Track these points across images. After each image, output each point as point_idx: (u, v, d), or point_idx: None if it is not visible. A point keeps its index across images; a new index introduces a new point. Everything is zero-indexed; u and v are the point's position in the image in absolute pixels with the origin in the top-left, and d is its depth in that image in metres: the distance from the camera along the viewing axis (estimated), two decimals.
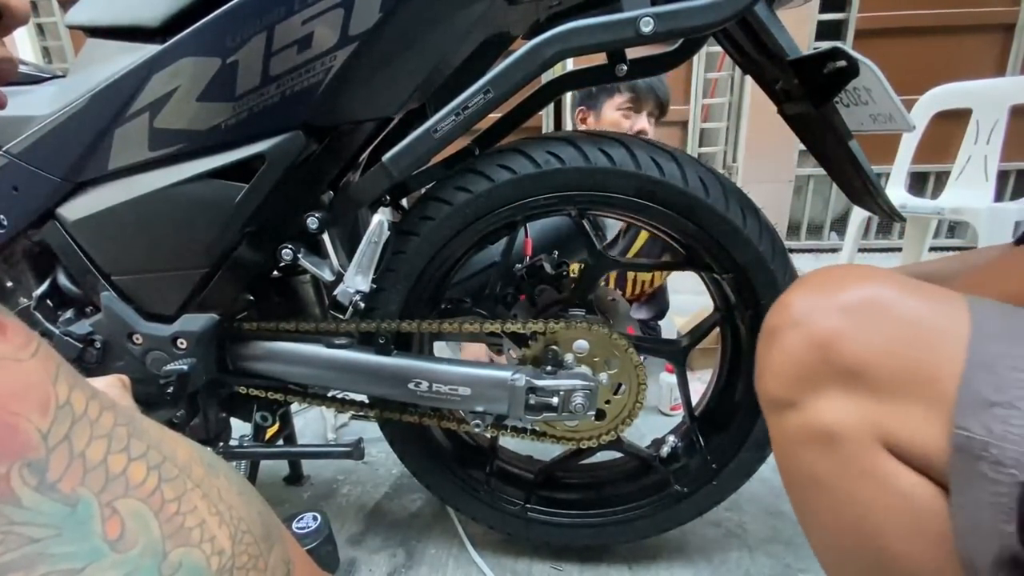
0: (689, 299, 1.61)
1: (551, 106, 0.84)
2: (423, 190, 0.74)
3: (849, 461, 0.38)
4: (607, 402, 0.73)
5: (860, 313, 0.38)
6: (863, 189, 0.65)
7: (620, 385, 0.73)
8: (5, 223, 0.66)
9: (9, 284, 0.72)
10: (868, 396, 0.37)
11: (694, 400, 0.84)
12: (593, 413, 0.71)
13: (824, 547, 0.44)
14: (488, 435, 0.83)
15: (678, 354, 0.80)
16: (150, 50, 0.58)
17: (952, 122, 1.61)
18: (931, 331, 0.36)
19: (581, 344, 0.71)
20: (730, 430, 0.77)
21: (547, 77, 0.76)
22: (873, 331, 0.37)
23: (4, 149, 0.63)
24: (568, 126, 1.62)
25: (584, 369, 0.71)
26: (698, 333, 0.80)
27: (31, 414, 0.20)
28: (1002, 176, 1.80)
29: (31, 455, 0.20)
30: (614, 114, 1.35)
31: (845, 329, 0.38)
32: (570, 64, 0.82)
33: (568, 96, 1.53)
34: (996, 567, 0.32)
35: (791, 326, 0.40)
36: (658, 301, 1.58)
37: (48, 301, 0.73)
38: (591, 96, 1.39)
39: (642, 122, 1.35)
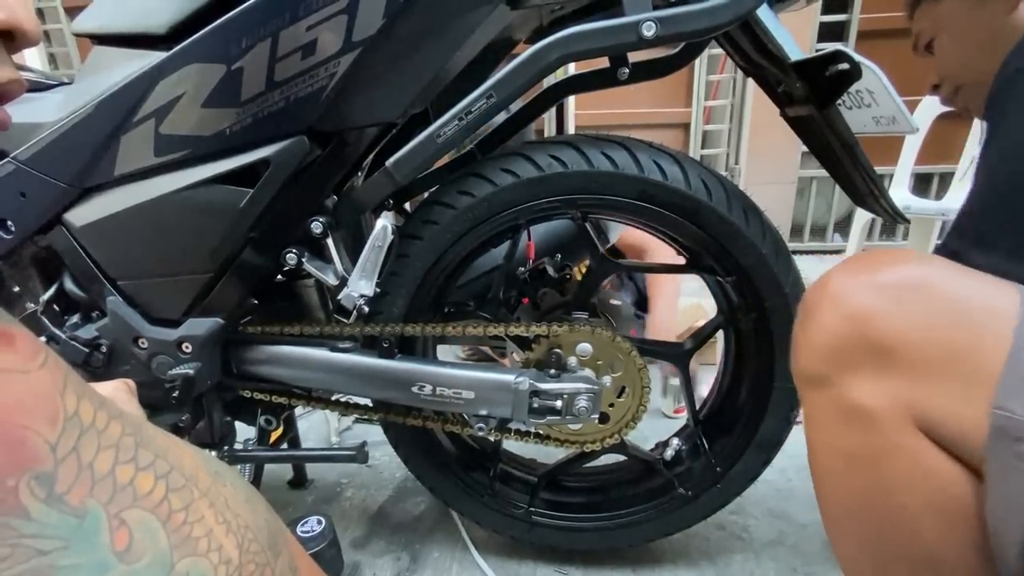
0: (688, 300, 1.60)
1: (552, 110, 0.84)
2: (426, 194, 0.74)
3: (880, 439, 0.38)
4: (611, 405, 0.73)
5: (899, 291, 0.38)
6: (866, 191, 0.65)
7: (623, 388, 0.72)
8: (13, 229, 0.66)
9: (16, 289, 0.73)
10: (902, 375, 0.37)
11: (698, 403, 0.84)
12: (597, 416, 0.71)
13: (843, 525, 0.45)
14: (492, 438, 0.83)
15: (681, 358, 0.80)
16: (156, 57, 0.59)
17: (955, 123, 1.60)
18: (975, 311, 0.36)
19: (584, 347, 0.71)
20: (734, 433, 0.77)
21: (549, 81, 0.76)
22: (911, 309, 0.37)
23: (11, 156, 0.63)
24: (571, 130, 1.62)
25: (587, 372, 0.71)
26: (701, 337, 0.80)
27: (40, 426, 0.20)
28: None
29: (40, 467, 0.20)
30: None
31: (882, 306, 0.38)
32: (572, 68, 0.82)
33: (571, 100, 1.53)
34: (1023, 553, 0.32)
35: (828, 302, 0.41)
36: (635, 283, 1.56)
37: (55, 306, 0.73)
38: None
39: None
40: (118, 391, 0.50)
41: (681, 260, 0.76)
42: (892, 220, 0.68)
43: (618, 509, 0.82)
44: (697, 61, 2.42)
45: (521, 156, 0.66)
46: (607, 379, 0.71)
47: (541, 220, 0.73)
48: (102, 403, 0.23)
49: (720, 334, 0.81)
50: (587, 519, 0.82)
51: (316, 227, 0.65)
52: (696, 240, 0.68)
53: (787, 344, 0.68)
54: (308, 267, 0.66)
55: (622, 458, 0.86)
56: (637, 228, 0.77)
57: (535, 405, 0.69)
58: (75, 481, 0.21)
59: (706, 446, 0.80)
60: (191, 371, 0.67)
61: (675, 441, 0.83)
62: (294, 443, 0.97)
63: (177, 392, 0.66)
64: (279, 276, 0.76)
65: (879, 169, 0.63)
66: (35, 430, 0.20)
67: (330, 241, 0.66)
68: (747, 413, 0.76)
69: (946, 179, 2.44)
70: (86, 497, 0.21)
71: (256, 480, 0.92)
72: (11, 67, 0.26)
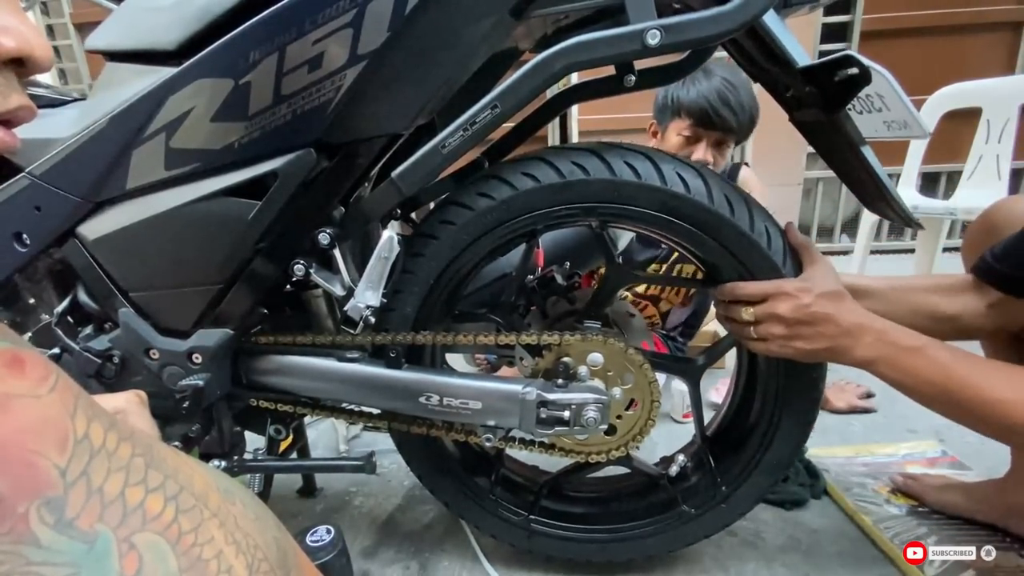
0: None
1: (557, 118, 0.84)
2: (432, 204, 0.74)
3: None
4: (618, 417, 0.72)
5: None
6: (877, 195, 0.65)
7: (632, 401, 0.72)
8: (28, 242, 0.67)
9: (32, 301, 0.74)
10: None
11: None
12: (604, 427, 0.71)
13: None
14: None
15: (693, 373, 0.79)
16: (166, 73, 0.59)
17: (962, 121, 1.59)
18: None
19: (596, 357, 0.70)
20: (742, 452, 0.76)
21: (555, 89, 0.76)
22: None
23: (27, 170, 0.64)
24: (575, 137, 1.62)
25: (596, 382, 0.71)
26: (714, 353, 0.79)
27: (49, 451, 0.20)
28: (1015, 175, 1.76)
29: (49, 493, 0.20)
30: (675, 138, 1.20)
31: None
32: (576, 76, 0.83)
33: (575, 106, 1.53)
34: None
35: None
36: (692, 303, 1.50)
37: (69, 318, 0.74)
38: (664, 109, 1.23)
39: (699, 153, 1.18)
40: (130, 403, 0.50)
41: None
42: (904, 224, 0.67)
43: (619, 522, 0.81)
44: None
45: (543, 161, 0.65)
46: (617, 391, 0.71)
47: (559, 227, 0.72)
48: (112, 424, 0.23)
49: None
50: (587, 531, 0.81)
51: (323, 238, 0.65)
52: (716, 255, 0.67)
53: (799, 365, 0.68)
54: (316, 278, 0.67)
55: (626, 470, 0.85)
56: (656, 239, 0.76)
57: (543, 415, 0.69)
58: (85, 506, 0.21)
59: (712, 464, 0.79)
60: (201, 382, 0.68)
61: (680, 457, 0.82)
62: (303, 452, 0.97)
63: (187, 403, 0.66)
64: (287, 287, 0.76)
65: (886, 169, 0.62)
66: (44, 455, 0.20)
67: (337, 252, 0.66)
68: (757, 433, 0.75)
69: (954, 178, 2.42)
70: (96, 522, 0.21)
71: (266, 489, 0.93)
72: (22, 93, 0.26)
